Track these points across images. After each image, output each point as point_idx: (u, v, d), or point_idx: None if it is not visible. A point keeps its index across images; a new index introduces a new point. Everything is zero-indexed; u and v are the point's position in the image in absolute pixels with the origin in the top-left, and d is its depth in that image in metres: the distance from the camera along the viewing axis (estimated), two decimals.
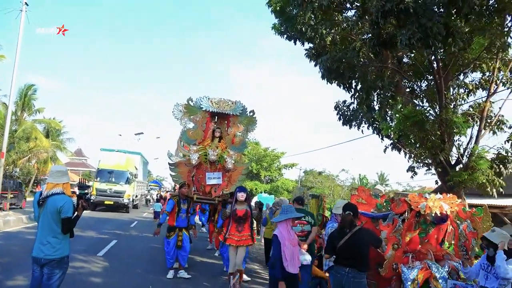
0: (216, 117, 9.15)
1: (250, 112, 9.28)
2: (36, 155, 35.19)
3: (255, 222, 14.67)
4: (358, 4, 8.69)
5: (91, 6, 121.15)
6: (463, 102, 11.23)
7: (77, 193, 4.59)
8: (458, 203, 5.44)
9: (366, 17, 8.04)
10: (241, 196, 6.90)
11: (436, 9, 7.11)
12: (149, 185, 54.12)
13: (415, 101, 11.13)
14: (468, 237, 5.45)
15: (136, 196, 28.60)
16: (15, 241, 10.29)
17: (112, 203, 22.72)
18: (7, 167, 33.12)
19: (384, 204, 5.87)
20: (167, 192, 42.18)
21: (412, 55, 10.64)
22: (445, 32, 6.77)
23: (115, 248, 10.37)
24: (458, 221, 5.55)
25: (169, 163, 9.27)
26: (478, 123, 10.12)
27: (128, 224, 17.25)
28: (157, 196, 37.80)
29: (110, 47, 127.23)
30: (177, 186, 11.82)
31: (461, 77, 10.94)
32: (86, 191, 6.50)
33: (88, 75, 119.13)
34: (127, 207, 24.14)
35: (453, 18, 7.61)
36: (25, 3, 13.82)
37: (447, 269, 4.87)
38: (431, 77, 10.57)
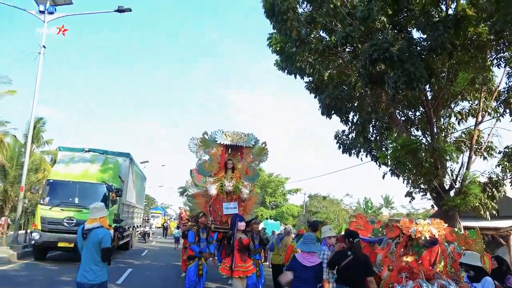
0: (230, 149, 9.65)
1: (262, 144, 9.75)
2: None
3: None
4: (350, 49, 9.57)
5: (88, 35, 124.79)
6: (454, 130, 11.95)
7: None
8: (445, 227, 6.08)
9: (358, 58, 8.92)
10: (242, 226, 6.99)
11: (418, 55, 7.92)
12: (150, 213, 48.09)
13: (410, 129, 11.86)
14: (455, 258, 6.04)
15: (124, 229, 14.17)
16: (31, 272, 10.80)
17: (71, 245, 11.56)
18: (15, 198, 33.82)
19: (380, 229, 6.51)
20: (170, 219, 41.35)
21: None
22: (428, 73, 7.58)
23: (132, 276, 10.94)
24: (446, 244, 6.17)
25: (186, 195, 9.74)
26: (469, 150, 10.80)
27: (139, 253, 17.74)
28: (163, 225, 37.42)
29: (111, 77, 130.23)
30: (183, 214, 12.24)
31: (452, 106, 11.73)
32: (120, 224, 6.74)
33: (92, 105, 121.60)
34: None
35: (435, 58, 8.47)
36: (43, 46, 14.96)
37: (436, 287, 5.48)
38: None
